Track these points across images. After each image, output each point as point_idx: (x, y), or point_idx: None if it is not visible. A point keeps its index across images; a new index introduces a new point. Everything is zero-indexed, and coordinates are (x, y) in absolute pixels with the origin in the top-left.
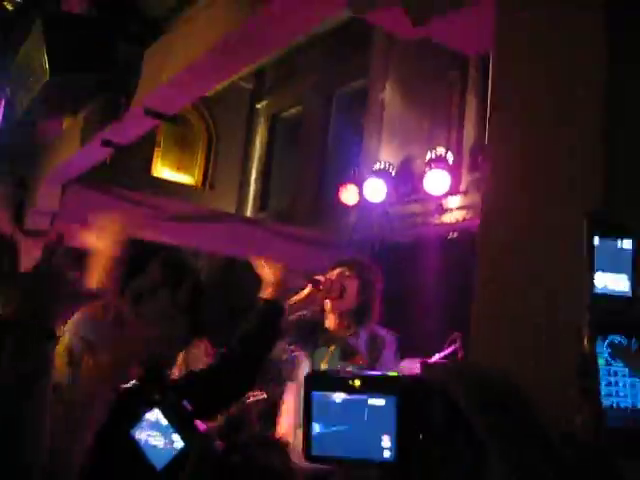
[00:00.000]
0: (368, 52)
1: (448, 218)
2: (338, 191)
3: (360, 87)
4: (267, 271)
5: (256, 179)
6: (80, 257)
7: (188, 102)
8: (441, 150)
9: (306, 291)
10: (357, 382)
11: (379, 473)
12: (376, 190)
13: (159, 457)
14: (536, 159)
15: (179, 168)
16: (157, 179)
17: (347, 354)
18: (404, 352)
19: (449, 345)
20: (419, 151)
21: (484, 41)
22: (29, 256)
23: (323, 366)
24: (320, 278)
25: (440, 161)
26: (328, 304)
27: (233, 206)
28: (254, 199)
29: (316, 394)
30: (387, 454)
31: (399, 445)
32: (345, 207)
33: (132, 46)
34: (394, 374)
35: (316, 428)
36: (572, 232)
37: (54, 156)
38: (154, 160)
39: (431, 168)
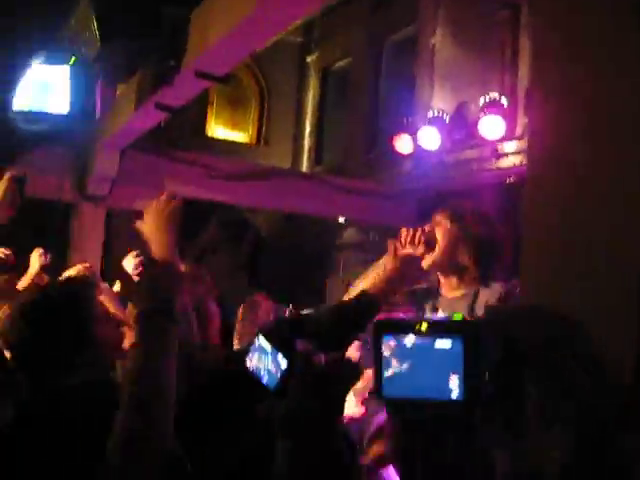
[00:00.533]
0: None
1: (505, 163)
2: (392, 141)
3: (410, 34)
4: (388, 259)
5: (310, 133)
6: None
7: (238, 62)
8: (495, 94)
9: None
10: (424, 326)
11: (447, 412)
12: (430, 138)
13: (271, 379)
14: (591, 109)
15: (233, 126)
16: (211, 138)
17: None
18: None
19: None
20: (473, 96)
21: None
22: (90, 222)
23: None
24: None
25: (494, 105)
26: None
27: (288, 161)
28: (309, 153)
29: (386, 337)
30: (455, 394)
31: (466, 385)
32: (400, 156)
33: (178, 9)
34: (459, 317)
35: (386, 370)
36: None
37: (110, 122)
38: (208, 120)
39: (485, 113)
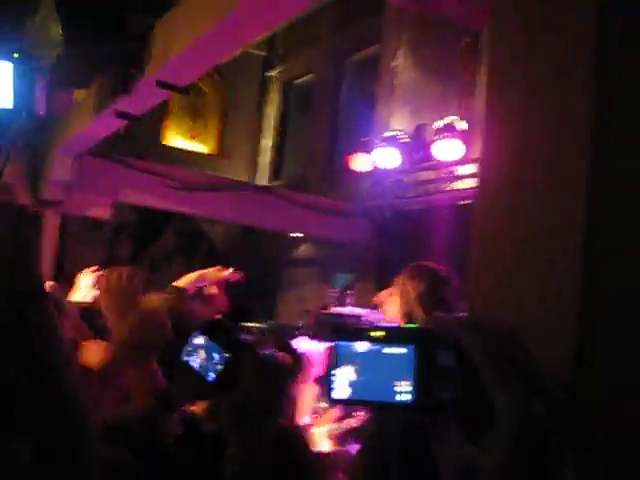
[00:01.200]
0: (380, 19)
1: (461, 185)
2: (348, 159)
3: (372, 54)
4: None
5: (270, 147)
6: (93, 227)
7: (200, 74)
8: (452, 118)
9: None
10: (377, 333)
11: (399, 414)
12: (387, 157)
13: (215, 375)
14: (541, 134)
15: (192, 137)
16: (170, 148)
17: None
18: None
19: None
20: (431, 118)
21: (486, 17)
22: (46, 226)
23: None
24: None
25: (451, 129)
26: None
27: (247, 174)
28: (268, 167)
29: (340, 344)
30: (405, 397)
31: (417, 390)
32: (358, 174)
33: (143, 18)
34: (412, 325)
35: (340, 374)
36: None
37: (67, 127)
38: (166, 129)
39: (442, 136)
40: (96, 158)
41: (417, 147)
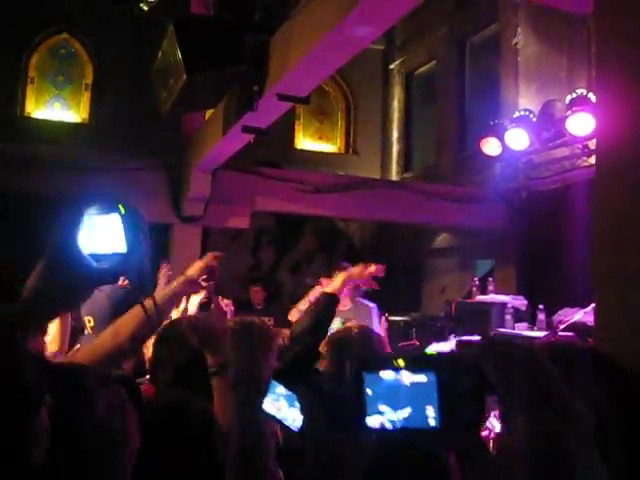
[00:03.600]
0: None
1: None
2: (480, 144)
3: (491, 34)
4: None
5: (398, 139)
6: (233, 237)
7: (319, 82)
8: (582, 91)
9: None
10: (401, 362)
11: (426, 439)
12: (518, 138)
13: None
14: None
15: (321, 138)
16: (300, 151)
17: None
18: (558, 301)
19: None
20: (559, 94)
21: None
22: (188, 240)
23: None
24: None
25: (582, 102)
26: None
27: (378, 169)
28: (397, 160)
29: (366, 375)
30: (432, 422)
31: (441, 414)
32: (489, 159)
33: (259, 35)
34: (432, 353)
35: (369, 405)
36: None
37: (201, 146)
38: (296, 133)
39: (573, 111)
40: (231, 171)
41: (547, 124)
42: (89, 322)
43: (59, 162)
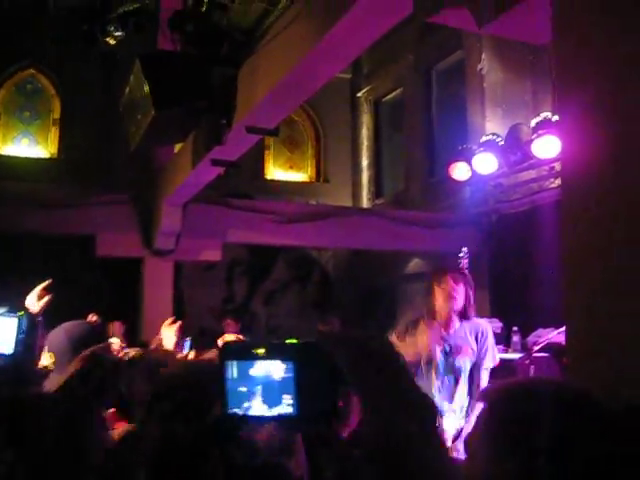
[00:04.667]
0: None
1: None
2: (449, 169)
3: (457, 60)
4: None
5: (368, 167)
6: (206, 269)
7: (286, 114)
8: (547, 114)
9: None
10: (261, 350)
11: (285, 425)
12: (486, 163)
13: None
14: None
15: (291, 167)
16: (271, 181)
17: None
18: (531, 322)
19: None
20: (525, 118)
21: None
22: (159, 274)
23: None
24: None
25: (547, 125)
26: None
27: (349, 196)
28: (368, 187)
29: (228, 362)
30: (290, 409)
31: (299, 401)
32: (459, 183)
33: (226, 68)
34: (292, 342)
35: (230, 390)
36: None
37: (171, 179)
38: (266, 163)
39: (539, 134)
40: (202, 204)
41: (514, 148)
42: (51, 358)
43: (28, 199)
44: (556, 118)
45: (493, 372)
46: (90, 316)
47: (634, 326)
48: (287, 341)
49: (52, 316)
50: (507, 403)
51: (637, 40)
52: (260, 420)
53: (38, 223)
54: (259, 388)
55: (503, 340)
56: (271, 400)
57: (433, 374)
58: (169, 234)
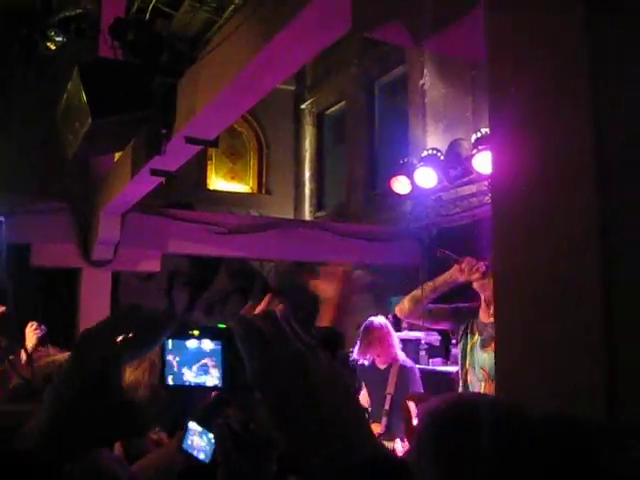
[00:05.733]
0: None
1: None
2: (390, 183)
3: (399, 74)
4: (323, 288)
5: (310, 179)
6: (146, 279)
7: (226, 125)
8: (486, 130)
9: (448, 272)
10: (196, 331)
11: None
12: (427, 177)
13: (205, 456)
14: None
15: (233, 178)
16: (213, 191)
17: (486, 342)
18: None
19: None
20: (465, 133)
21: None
22: (97, 285)
23: (468, 353)
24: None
25: (487, 141)
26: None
27: (291, 208)
28: (310, 199)
29: (167, 341)
30: (217, 382)
31: (224, 377)
32: (399, 197)
33: (166, 79)
34: (221, 325)
35: (169, 365)
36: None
37: (109, 188)
38: (208, 173)
39: (479, 149)
40: (141, 214)
41: (454, 163)
42: None
43: None
44: None
45: (432, 384)
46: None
47: (559, 340)
48: (218, 325)
49: None
50: (438, 422)
51: (562, 55)
52: (191, 387)
53: None
54: (192, 363)
55: (442, 353)
56: (203, 375)
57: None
58: (107, 244)
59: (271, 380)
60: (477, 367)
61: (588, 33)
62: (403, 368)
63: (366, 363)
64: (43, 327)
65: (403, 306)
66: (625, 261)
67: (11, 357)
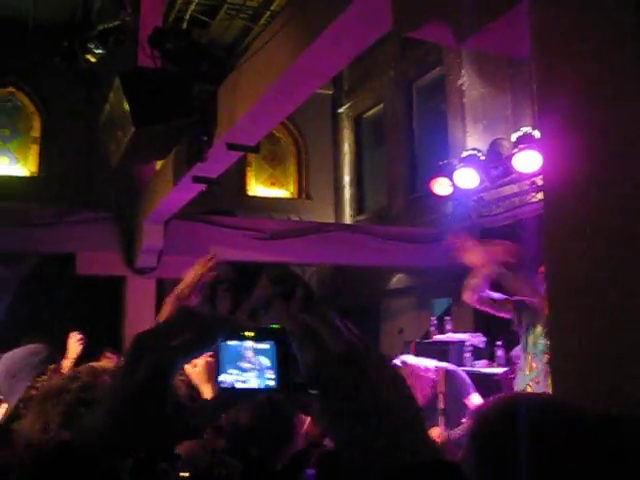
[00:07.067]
0: None
1: None
2: (430, 184)
3: (437, 76)
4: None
5: (350, 183)
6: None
7: (267, 131)
8: (527, 128)
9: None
10: (250, 333)
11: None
12: (468, 178)
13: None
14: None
15: (273, 184)
16: (253, 197)
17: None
18: (515, 337)
19: None
20: (505, 132)
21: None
22: (142, 293)
23: (530, 344)
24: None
25: (527, 140)
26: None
27: (331, 212)
28: (350, 203)
29: (222, 343)
30: (271, 383)
31: (279, 376)
32: (440, 198)
33: (206, 85)
34: (276, 326)
35: (224, 367)
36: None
37: (152, 196)
38: (248, 180)
39: (519, 148)
40: (183, 221)
41: (495, 163)
42: None
43: (9, 217)
44: (536, 132)
45: (477, 386)
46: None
47: (611, 333)
48: (271, 326)
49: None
50: (490, 424)
51: (612, 44)
52: (244, 390)
53: (21, 241)
54: (245, 364)
55: (487, 355)
56: (256, 375)
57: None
58: (151, 251)
59: (325, 374)
60: (539, 354)
61: (639, 20)
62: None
63: None
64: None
65: (466, 295)
66: None
67: (52, 366)
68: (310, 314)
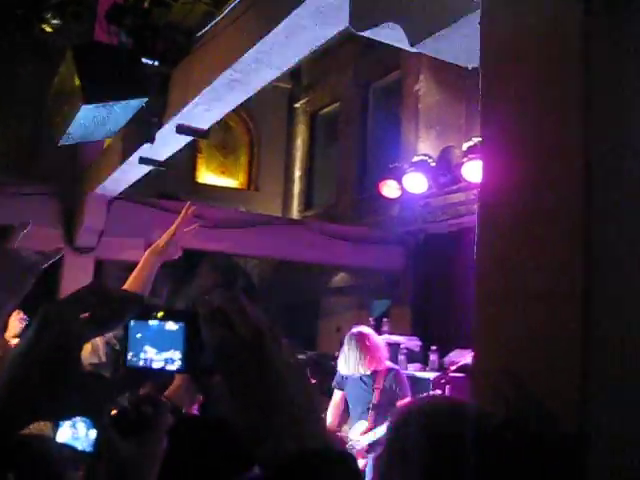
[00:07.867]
0: None
1: None
2: (379, 186)
3: (395, 79)
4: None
5: (300, 178)
6: (129, 269)
7: (217, 119)
8: (478, 138)
9: None
10: (160, 313)
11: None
12: (416, 182)
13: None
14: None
15: (223, 172)
16: (202, 185)
17: None
18: (450, 343)
19: None
20: (457, 140)
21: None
22: (79, 272)
23: None
24: None
25: (477, 150)
26: None
27: (279, 206)
28: (299, 198)
29: (131, 322)
30: (178, 365)
31: (186, 358)
32: (388, 201)
33: (160, 67)
34: (184, 308)
35: (131, 346)
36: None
37: (97, 175)
38: (198, 166)
39: (469, 158)
40: (127, 202)
41: (444, 170)
42: None
43: None
44: None
45: (410, 388)
46: None
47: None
48: (180, 308)
49: None
50: (409, 424)
51: (555, 63)
52: (151, 370)
53: None
54: (154, 345)
55: (421, 359)
56: (165, 356)
57: None
58: (91, 231)
59: (230, 358)
60: None
61: (584, 42)
62: (391, 370)
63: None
64: (27, 317)
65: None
66: (608, 272)
67: None
68: (220, 296)
